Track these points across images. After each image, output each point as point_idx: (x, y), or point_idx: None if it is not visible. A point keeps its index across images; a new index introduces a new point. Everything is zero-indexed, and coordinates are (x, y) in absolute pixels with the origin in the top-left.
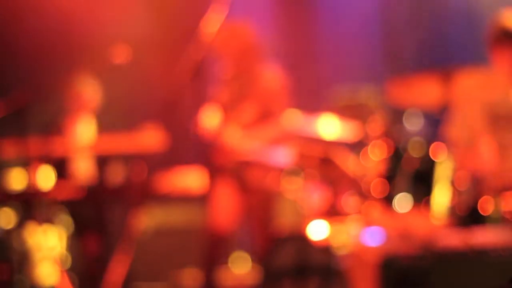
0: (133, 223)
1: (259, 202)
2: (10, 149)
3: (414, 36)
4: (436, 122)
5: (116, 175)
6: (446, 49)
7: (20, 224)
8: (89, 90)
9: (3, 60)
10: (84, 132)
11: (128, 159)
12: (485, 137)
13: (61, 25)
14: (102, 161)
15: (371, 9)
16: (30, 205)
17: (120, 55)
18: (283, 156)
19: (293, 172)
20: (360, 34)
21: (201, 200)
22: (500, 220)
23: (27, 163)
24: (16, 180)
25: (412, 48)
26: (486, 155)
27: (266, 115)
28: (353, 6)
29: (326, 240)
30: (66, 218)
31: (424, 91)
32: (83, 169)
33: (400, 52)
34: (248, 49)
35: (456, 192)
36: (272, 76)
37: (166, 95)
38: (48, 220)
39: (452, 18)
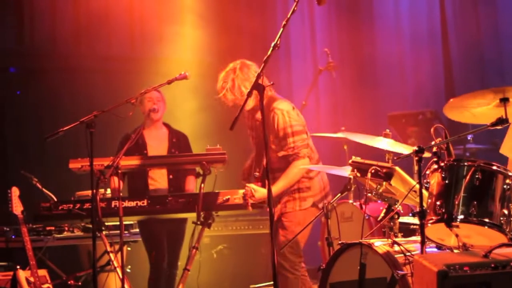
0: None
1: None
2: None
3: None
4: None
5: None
6: (503, 71)
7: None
8: (161, 105)
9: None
10: (157, 147)
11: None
12: None
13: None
14: (175, 173)
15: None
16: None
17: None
18: None
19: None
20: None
21: None
22: None
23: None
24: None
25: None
26: None
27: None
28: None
29: (388, 250)
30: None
31: (480, 111)
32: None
33: (460, 75)
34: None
35: None
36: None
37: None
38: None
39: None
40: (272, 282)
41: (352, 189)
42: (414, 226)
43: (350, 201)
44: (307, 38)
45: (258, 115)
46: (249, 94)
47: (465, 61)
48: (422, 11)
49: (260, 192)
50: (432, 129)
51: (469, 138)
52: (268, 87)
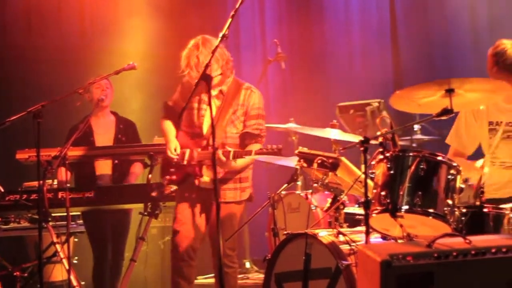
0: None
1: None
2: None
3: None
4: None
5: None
6: (450, 63)
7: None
8: (109, 93)
9: (28, 68)
10: (104, 134)
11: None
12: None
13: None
14: (120, 163)
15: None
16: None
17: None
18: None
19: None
20: (371, 49)
21: None
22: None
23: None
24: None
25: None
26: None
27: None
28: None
29: (332, 240)
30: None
31: (426, 102)
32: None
33: (408, 66)
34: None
35: (457, 195)
36: (255, 95)
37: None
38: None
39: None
40: (213, 274)
41: (299, 179)
42: (360, 217)
43: (298, 192)
44: (257, 29)
45: (224, 88)
46: (197, 84)
47: (414, 53)
48: (371, 3)
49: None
50: (378, 120)
51: (416, 129)
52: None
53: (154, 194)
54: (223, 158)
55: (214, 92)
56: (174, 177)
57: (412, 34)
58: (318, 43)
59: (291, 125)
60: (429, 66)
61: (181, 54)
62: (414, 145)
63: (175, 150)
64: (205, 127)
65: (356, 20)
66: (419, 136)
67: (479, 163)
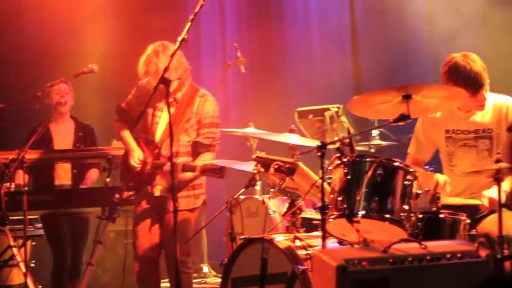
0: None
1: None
2: None
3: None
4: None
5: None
6: (409, 70)
7: None
8: (68, 98)
9: None
10: (63, 140)
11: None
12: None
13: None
14: (79, 167)
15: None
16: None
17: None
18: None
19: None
20: (330, 55)
21: None
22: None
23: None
24: None
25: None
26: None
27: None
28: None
29: (289, 245)
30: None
31: (384, 108)
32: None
33: (368, 72)
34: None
35: (413, 200)
36: (210, 103)
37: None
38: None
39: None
40: (167, 280)
41: (258, 184)
42: (317, 221)
43: (256, 197)
44: (217, 33)
45: (179, 96)
46: (155, 89)
47: (374, 59)
48: (331, 8)
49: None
50: (335, 125)
51: (374, 134)
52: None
53: (112, 197)
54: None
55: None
56: (131, 183)
57: (372, 40)
58: (278, 48)
59: (250, 130)
60: (388, 73)
61: (140, 60)
62: (372, 150)
63: (138, 159)
64: (158, 135)
65: (316, 26)
66: (377, 142)
67: (440, 177)
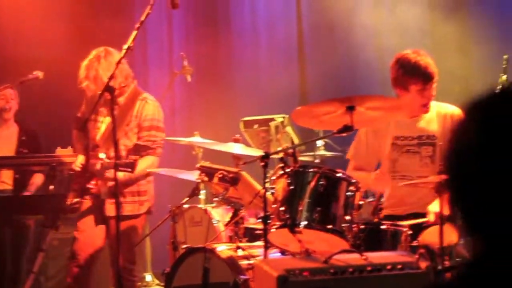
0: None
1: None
2: None
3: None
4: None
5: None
6: (355, 83)
7: None
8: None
9: None
10: (5, 146)
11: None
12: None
13: None
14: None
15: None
16: None
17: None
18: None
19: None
20: (277, 65)
21: None
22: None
23: None
24: None
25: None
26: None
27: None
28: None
29: (231, 255)
30: None
31: (328, 119)
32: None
33: (314, 83)
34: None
35: (356, 211)
36: (150, 106)
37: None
38: None
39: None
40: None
41: (203, 193)
42: (259, 231)
43: (200, 206)
44: (164, 41)
45: (121, 100)
46: (100, 96)
47: (320, 71)
48: (279, 19)
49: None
50: (279, 135)
51: (319, 145)
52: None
53: (55, 205)
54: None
55: None
56: (75, 188)
57: (319, 52)
58: (225, 57)
59: (195, 139)
60: (335, 85)
61: (81, 64)
62: (317, 160)
63: (80, 163)
64: (98, 139)
65: (263, 36)
66: (322, 152)
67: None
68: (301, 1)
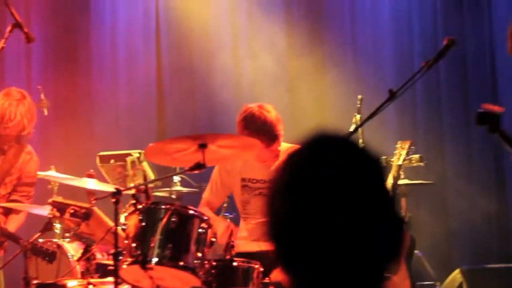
0: None
1: None
2: None
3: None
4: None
5: None
6: (214, 123)
7: None
8: None
9: None
10: None
11: None
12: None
13: None
14: None
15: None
16: None
17: None
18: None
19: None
20: (137, 103)
21: None
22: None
23: None
24: None
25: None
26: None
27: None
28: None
29: None
30: None
31: (181, 156)
32: None
33: (173, 121)
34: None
35: (207, 248)
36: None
37: None
38: None
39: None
40: None
41: (57, 228)
42: (111, 267)
43: (55, 240)
44: (22, 74)
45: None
46: None
47: (179, 109)
48: (139, 60)
49: None
50: (132, 172)
51: (176, 181)
52: None
53: None
54: None
55: None
56: None
57: (178, 93)
58: (84, 93)
59: (50, 173)
60: (192, 124)
61: None
62: (173, 196)
63: None
64: None
65: (123, 74)
66: (178, 188)
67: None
68: (161, 43)
